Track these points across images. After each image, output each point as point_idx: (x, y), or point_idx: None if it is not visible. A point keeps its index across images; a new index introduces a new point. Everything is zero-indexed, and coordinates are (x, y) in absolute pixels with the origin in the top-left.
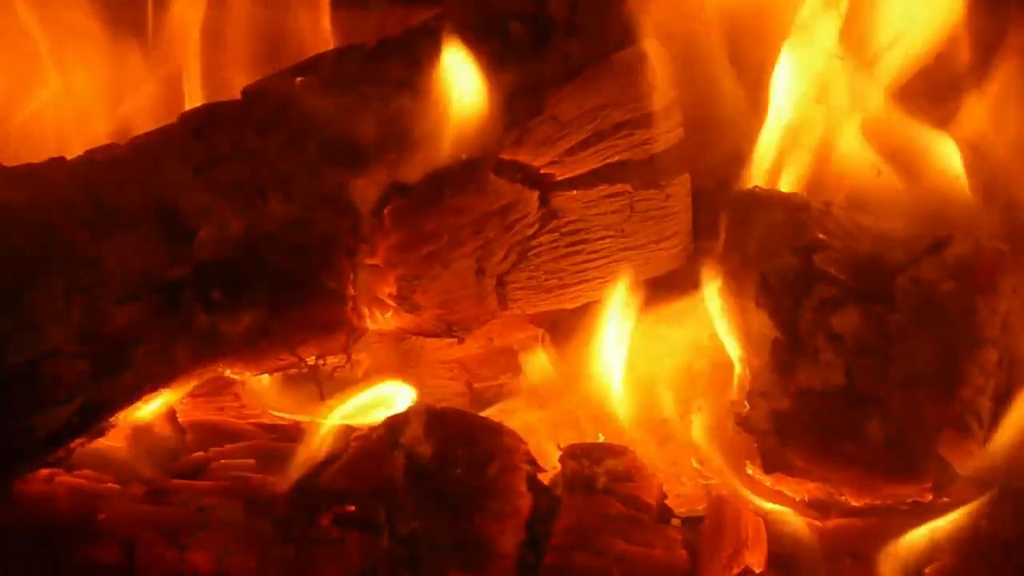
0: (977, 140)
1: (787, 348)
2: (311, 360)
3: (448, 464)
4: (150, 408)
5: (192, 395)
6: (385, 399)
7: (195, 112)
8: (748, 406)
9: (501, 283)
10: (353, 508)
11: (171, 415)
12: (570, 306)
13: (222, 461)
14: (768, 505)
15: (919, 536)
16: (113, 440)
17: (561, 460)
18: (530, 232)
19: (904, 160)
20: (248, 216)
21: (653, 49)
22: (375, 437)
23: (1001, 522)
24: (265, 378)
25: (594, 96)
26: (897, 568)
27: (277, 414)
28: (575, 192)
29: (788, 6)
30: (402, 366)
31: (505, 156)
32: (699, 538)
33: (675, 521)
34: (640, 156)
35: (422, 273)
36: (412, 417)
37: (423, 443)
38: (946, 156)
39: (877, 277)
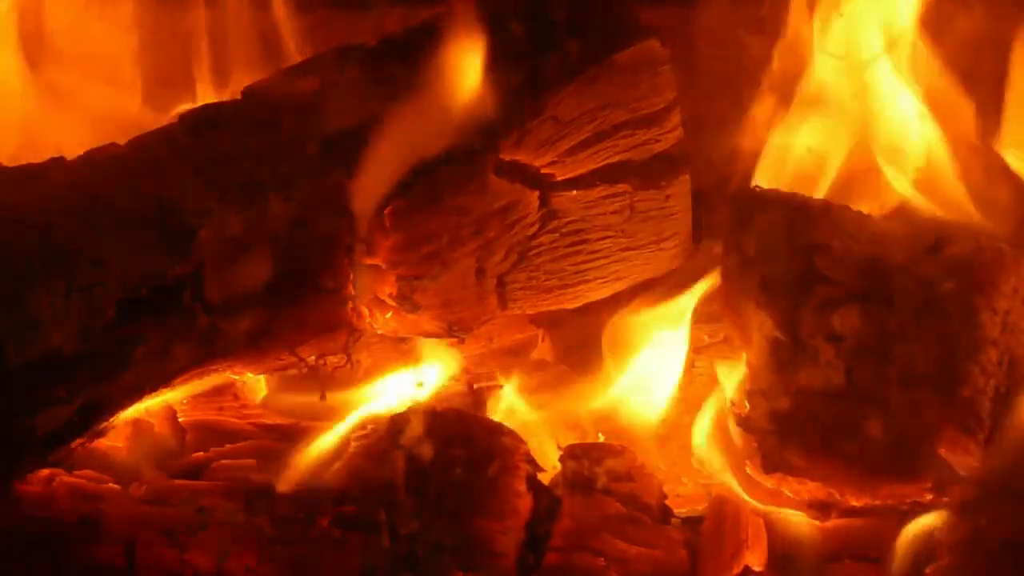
0: (977, 139)
1: (787, 348)
2: (311, 360)
3: (448, 464)
4: (150, 408)
5: (192, 395)
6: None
7: (195, 112)
8: (748, 406)
9: (501, 283)
10: (353, 508)
11: (171, 415)
12: (570, 306)
13: (222, 461)
14: (768, 505)
15: (919, 536)
16: (113, 440)
17: (561, 460)
18: (530, 232)
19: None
20: (248, 216)
21: (653, 49)
22: (375, 437)
23: (1001, 522)
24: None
25: (594, 96)
26: (897, 568)
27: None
28: (575, 192)
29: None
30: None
31: (505, 156)
32: (699, 538)
33: (675, 521)
34: (640, 156)
35: (422, 273)
36: (412, 417)
37: (423, 443)
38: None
39: (877, 277)
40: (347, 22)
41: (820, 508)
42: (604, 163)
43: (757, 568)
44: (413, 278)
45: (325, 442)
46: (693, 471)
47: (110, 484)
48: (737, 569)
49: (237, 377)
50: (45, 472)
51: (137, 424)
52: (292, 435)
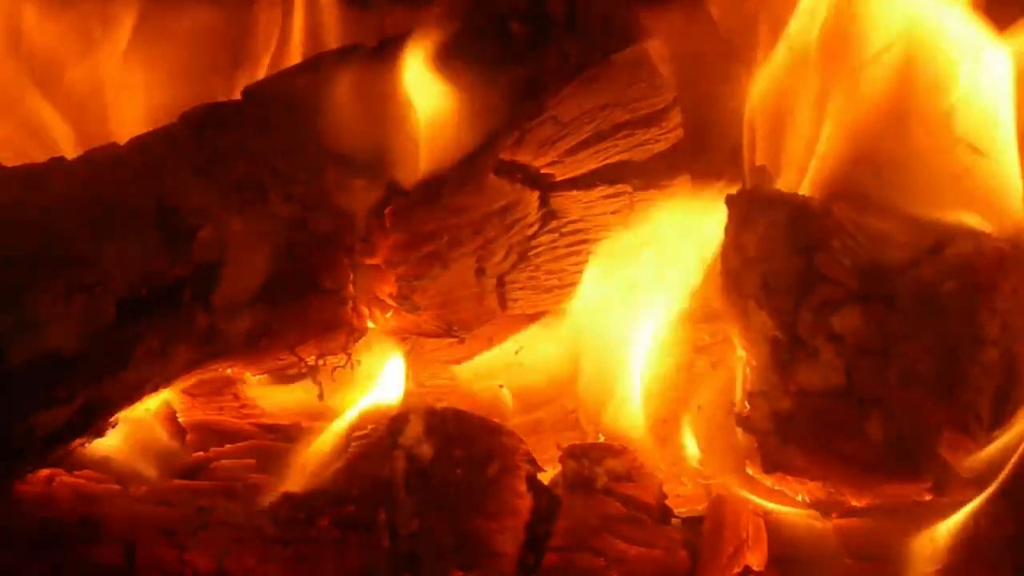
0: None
1: (787, 348)
2: (311, 360)
3: (448, 464)
4: (149, 408)
5: (192, 395)
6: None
7: (196, 112)
8: (748, 406)
9: (501, 283)
10: (353, 508)
11: (171, 415)
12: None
13: (222, 461)
14: (768, 505)
15: (919, 536)
16: (113, 440)
17: (561, 460)
18: (530, 232)
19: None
20: (248, 216)
21: (653, 49)
22: (375, 437)
23: (1001, 522)
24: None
25: (594, 96)
26: (897, 568)
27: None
28: (575, 192)
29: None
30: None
31: (505, 156)
32: (699, 538)
33: (675, 521)
34: (640, 156)
35: (422, 273)
36: (412, 417)
37: (423, 443)
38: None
39: (877, 277)
40: (347, 22)
41: (820, 508)
42: (604, 163)
43: (757, 568)
44: (413, 278)
45: (325, 442)
46: (693, 471)
47: (110, 484)
48: (737, 569)
49: (237, 377)
50: (45, 472)
51: (137, 424)
52: (292, 435)
